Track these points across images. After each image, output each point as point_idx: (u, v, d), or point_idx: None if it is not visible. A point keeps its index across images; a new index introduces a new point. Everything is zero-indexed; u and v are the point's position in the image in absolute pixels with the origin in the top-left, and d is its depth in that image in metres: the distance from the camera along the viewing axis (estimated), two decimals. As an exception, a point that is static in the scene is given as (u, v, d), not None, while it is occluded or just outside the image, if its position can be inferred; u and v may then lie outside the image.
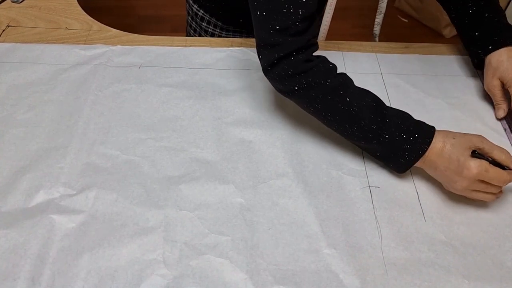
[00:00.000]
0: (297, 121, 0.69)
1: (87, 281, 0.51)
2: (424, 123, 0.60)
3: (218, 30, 0.89)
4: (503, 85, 0.70)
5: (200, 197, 0.59)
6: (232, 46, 0.82)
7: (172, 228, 0.56)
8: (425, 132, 0.58)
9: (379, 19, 0.92)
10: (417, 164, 0.59)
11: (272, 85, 0.62)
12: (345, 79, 0.59)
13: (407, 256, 0.54)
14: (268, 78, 0.61)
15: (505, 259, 0.55)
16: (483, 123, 0.70)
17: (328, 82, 0.57)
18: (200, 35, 0.92)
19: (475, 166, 0.55)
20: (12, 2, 0.89)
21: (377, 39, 0.94)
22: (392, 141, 0.58)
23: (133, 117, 0.69)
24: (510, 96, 0.69)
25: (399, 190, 0.61)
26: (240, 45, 0.82)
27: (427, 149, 0.57)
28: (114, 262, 0.53)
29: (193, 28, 0.93)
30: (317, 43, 0.60)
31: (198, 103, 0.71)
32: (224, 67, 0.78)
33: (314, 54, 0.59)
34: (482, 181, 0.55)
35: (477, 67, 0.78)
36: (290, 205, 0.59)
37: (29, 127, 0.66)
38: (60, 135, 0.66)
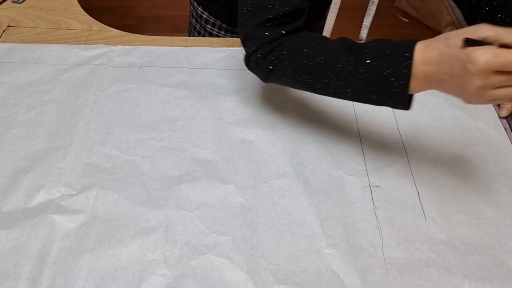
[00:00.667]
0: (297, 121, 0.69)
1: (88, 281, 0.51)
2: (404, 40, 0.50)
3: (223, 33, 0.89)
4: None
5: (201, 197, 0.59)
6: (232, 46, 0.82)
7: (172, 228, 0.56)
8: (403, 47, 0.49)
9: (367, 22, 0.91)
10: (419, 87, 0.49)
11: (256, 75, 0.62)
12: (305, 36, 0.56)
13: (408, 256, 0.54)
14: (249, 69, 0.61)
15: (506, 259, 0.55)
16: (484, 122, 0.70)
17: (291, 47, 0.56)
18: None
19: (480, 54, 0.43)
20: (13, 2, 0.89)
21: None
22: (373, 72, 0.50)
23: (133, 117, 0.69)
24: None
25: (400, 190, 0.61)
26: (241, 45, 0.82)
27: (410, 63, 0.48)
28: (115, 262, 0.53)
29: (197, 31, 0.93)
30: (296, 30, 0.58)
31: (199, 103, 0.71)
32: (224, 67, 0.78)
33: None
34: (499, 73, 0.43)
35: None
36: (291, 205, 0.59)
37: (29, 127, 0.66)
38: (61, 135, 0.66)
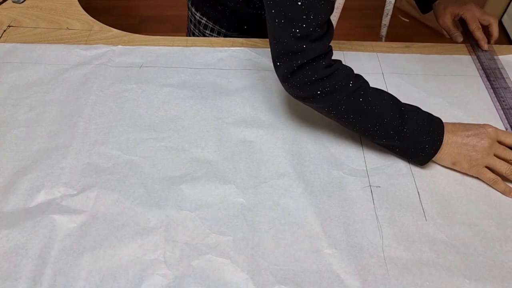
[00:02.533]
0: (298, 121, 0.69)
1: (88, 281, 0.51)
2: (431, 115, 0.63)
3: (222, 37, 0.88)
4: (453, 19, 0.86)
5: (201, 197, 0.59)
6: (233, 46, 0.82)
7: (173, 228, 0.56)
8: (437, 123, 0.62)
9: (385, 21, 0.92)
10: (439, 153, 0.62)
11: (290, 92, 0.60)
12: (363, 80, 0.61)
13: (408, 256, 0.54)
14: (287, 86, 0.59)
15: (507, 259, 0.55)
16: (484, 122, 0.70)
17: (351, 84, 0.58)
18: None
19: (490, 125, 0.62)
20: (13, 2, 0.89)
21: (383, 40, 0.94)
22: (413, 136, 0.60)
23: (134, 117, 0.69)
24: (467, 23, 0.85)
25: (400, 190, 0.61)
26: (241, 45, 0.82)
27: (442, 139, 0.61)
28: (115, 262, 0.53)
29: (196, 36, 0.93)
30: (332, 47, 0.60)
31: (199, 103, 0.71)
32: (225, 67, 0.78)
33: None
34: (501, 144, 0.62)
35: (423, 11, 0.92)
36: (291, 205, 0.59)
37: (30, 127, 0.66)
38: (61, 135, 0.66)
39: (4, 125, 0.67)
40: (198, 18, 0.89)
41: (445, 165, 0.63)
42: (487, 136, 0.61)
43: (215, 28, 0.88)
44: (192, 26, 0.92)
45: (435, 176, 0.63)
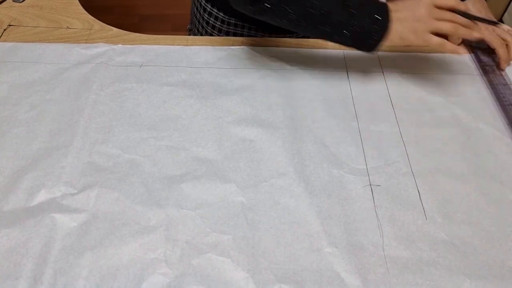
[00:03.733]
0: (298, 120, 0.69)
1: (88, 280, 0.51)
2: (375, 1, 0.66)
3: (222, 36, 0.88)
4: None
5: (202, 196, 0.59)
6: (233, 45, 0.82)
7: (173, 227, 0.56)
8: (381, 5, 0.64)
9: None
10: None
11: (244, 10, 0.66)
12: None
13: (408, 255, 0.54)
14: (240, 6, 0.66)
15: (507, 258, 0.55)
16: (484, 121, 0.70)
17: None
18: (207, 32, 0.91)
19: None
20: (14, 1, 0.89)
21: None
22: (361, 22, 0.63)
23: (134, 116, 0.69)
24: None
25: (401, 189, 0.61)
26: (242, 43, 0.82)
27: (389, 18, 0.64)
28: (116, 261, 0.53)
29: (201, 24, 0.92)
30: None
31: (199, 102, 0.71)
32: (225, 66, 0.78)
33: None
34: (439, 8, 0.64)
35: None
36: (291, 204, 0.59)
37: (30, 126, 0.67)
38: (62, 134, 0.66)
39: (4, 124, 0.67)
40: (209, 10, 0.88)
41: (394, 43, 0.65)
42: (423, 5, 0.64)
43: (224, 19, 0.88)
44: (201, 21, 0.92)
45: (435, 175, 0.63)
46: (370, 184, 0.61)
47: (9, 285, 0.50)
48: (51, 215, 0.56)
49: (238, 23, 0.87)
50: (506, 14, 2.26)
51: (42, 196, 0.58)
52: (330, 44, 0.82)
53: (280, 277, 0.52)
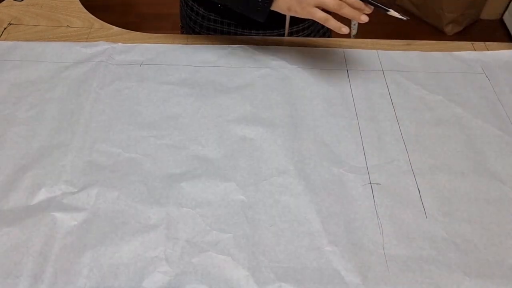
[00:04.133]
0: (298, 119, 0.69)
1: (89, 278, 0.51)
2: None
3: (222, 35, 0.88)
4: None
5: (202, 195, 0.59)
6: (233, 43, 0.82)
7: (173, 225, 0.56)
8: None
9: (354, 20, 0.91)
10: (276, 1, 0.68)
11: None
12: None
13: (408, 253, 0.54)
14: None
15: (507, 257, 0.55)
16: (484, 120, 0.70)
17: None
18: (190, 27, 0.91)
19: None
20: (14, 0, 0.89)
21: (352, 37, 0.94)
22: None
23: (134, 115, 0.69)
24: None
25: (401, 187, 0.61)
26: (241, 42, 0.82)
27: None
28: (116, 260, 0.53)
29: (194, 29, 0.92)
30: None
31: (199, 101, 0.71)
32: (225, 64, 0.78)
33: None
34: None
35: None
36: (292, 202, 0.59)
37: (30, 125, 0.67)
38: (62, 133, 0.66)
39: (4, 123, 0.67)
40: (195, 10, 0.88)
41: (282, 12, 0.68)
42: None
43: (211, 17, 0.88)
44: (186, 17, 0.92)
45: (435, 173, 0.63)
46: (370, 183, 0.61)
47: (10, 283, 0.50)
48: (52, 214, 0.56)
49: (218, 19, 0.87)
50: (507, 12, 2.25)
51: (42, 195, 0.58)
52: (331, 43, 0.83)
53: (280, 275, 0.52)
